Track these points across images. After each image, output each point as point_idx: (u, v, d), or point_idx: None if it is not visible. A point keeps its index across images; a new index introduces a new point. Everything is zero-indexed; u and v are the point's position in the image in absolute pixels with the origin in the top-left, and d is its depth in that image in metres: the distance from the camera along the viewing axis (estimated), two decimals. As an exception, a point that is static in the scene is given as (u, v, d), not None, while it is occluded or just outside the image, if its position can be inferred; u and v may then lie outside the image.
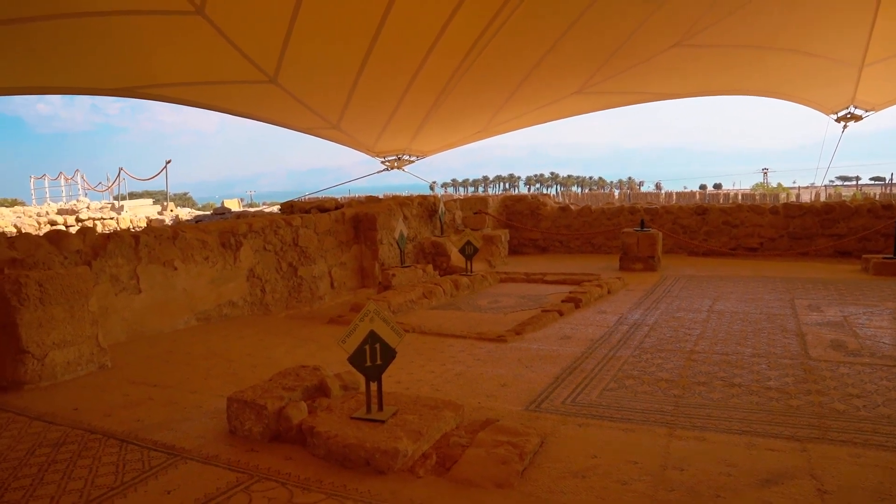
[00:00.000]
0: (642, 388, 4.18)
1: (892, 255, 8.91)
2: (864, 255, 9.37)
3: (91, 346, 4.96)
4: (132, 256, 6.19)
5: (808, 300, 7.10)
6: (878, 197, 18.99)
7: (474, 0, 10.49)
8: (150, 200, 19.41)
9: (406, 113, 15.04)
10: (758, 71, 17.06)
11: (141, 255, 6.28)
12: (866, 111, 18.16)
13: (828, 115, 18.94)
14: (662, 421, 3.58)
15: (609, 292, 7.73)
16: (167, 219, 15.70)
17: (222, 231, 7.19)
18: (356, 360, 3.35)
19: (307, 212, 9.39)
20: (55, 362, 4.69)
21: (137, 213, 16.97)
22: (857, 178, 41.05)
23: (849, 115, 18.29)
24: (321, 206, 9.60)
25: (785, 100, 19.42)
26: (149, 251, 6.36)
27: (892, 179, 30.99)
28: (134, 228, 11.36)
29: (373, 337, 3.35)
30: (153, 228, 6.76)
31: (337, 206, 9.77)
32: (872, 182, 38.28)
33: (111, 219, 15.29)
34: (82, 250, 5.79)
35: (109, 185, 22.84)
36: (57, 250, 5.57)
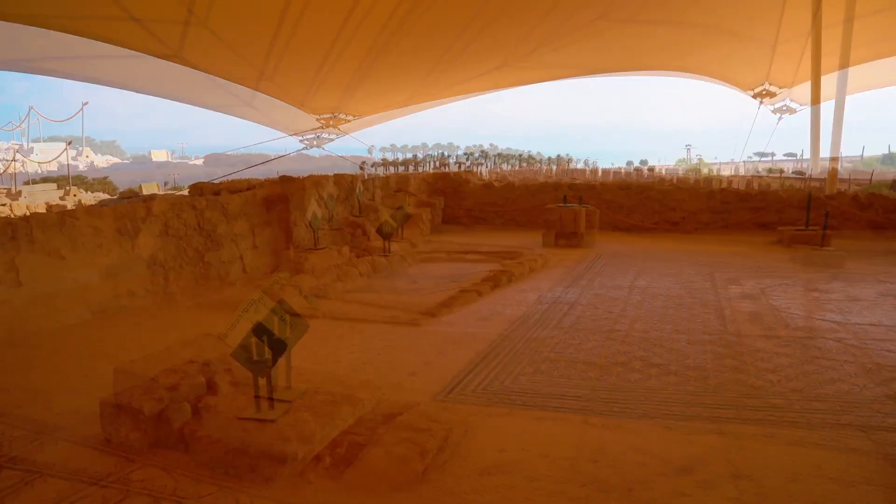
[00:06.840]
0: (558, 370, 3.98)
1: (804, 227, 9.06)
2: (779, 227, 9.51)
3: (-45, 346, 4.43)
4: (8, 246, 5.60)
5: (728, 273, 7.11)
6: (790, 172, 19.75)
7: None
8: (54, 185, 18.01)
9: (337, 70, 14.72)
10: (681, 49, 17.39)
11: (20, 245, 5.69)
12: (780, 88, 18.77)
13: (745, 91, 19.49)
14: (577, 407, 3.39)
15: (530, 270, 7.55)
16: (69, 205, 14.60)
17: (118, 216, 6.63)
18: (241, 355, 3.00)
19: (217, 193, 8.86)
20: None
21: (36, 200, 15.77)
22: (773, 154, 42.35)
23: (764, 92, 18.84)
24: (232, 188, 9.07)
25: (707, 77, 19.89)
26: (30, 240, 5.77)
27: (802, 155, 32.31)
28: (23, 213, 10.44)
29: (260, 329, 3.00)
30: (36, 215, 6.17)
31: (249, 186, 9.24)
32: (786, 157, 39.63)
33: (4, 205, 14.16)
34: (-53, 240, 5.19)
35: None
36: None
